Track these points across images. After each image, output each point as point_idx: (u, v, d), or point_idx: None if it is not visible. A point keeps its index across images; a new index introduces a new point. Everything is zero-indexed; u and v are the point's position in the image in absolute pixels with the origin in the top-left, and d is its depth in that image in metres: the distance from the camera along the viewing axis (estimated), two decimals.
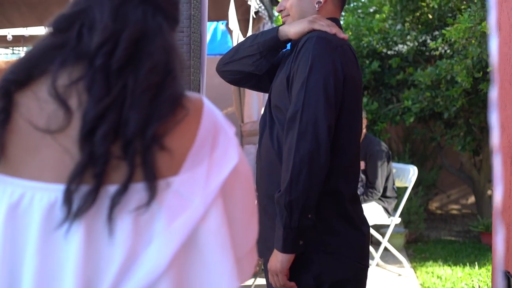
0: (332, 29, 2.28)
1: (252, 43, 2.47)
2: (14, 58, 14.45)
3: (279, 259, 2.19)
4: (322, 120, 2.15)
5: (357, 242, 2.30)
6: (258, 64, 2.46)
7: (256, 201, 1.30)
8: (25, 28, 8.17)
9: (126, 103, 1.09)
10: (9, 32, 8.21)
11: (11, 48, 11.57)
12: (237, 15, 5.03)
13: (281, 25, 2.44)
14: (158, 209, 1.11)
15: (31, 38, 8.93)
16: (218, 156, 1.19)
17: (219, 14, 5.57)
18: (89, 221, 1.08)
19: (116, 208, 1.08)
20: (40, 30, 8.84)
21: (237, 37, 5.08)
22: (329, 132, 2.15)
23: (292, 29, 2.35)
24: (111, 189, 1.09)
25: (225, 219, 1.17)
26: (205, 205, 1.14)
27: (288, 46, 2.50)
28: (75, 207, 1.06)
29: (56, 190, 1.08)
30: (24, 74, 1.12)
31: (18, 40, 9.13)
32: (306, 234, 2.18)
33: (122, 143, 1.08)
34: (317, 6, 2.38)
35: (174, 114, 1.14)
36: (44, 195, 1.08)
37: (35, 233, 1.07)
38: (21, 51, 13.94)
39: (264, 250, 2.30)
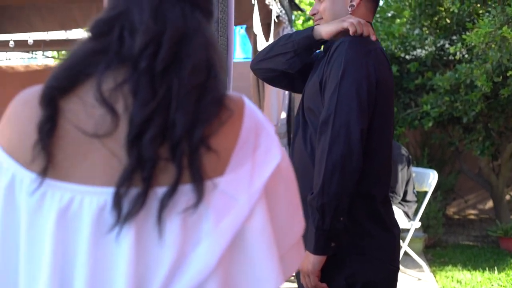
0: (360, 26, 2.31)
1: (286, 41, 2.50)
2: (32, 62, 14.55)
3: (311, 261, 2.22)
4: (355, 124, 2.17)
5: (388, 244, 2.32)
6: (292, 62, 2.49)
7: (299, 198, 1.31)
8: (45, 32, 8.21)
9: (172, 105, 1.10)
10: (30, 37, 8.25)
11: (30, 52, 11.66)
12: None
13: (316, 25, 2.47)
14: (205, 210, 1.12)
15: (52, 42, 8.99)
16: (260, 155, 1.20)
17: (239, 18, 5.61)
18: (139, 223, 1.09)
19: (165, 210, 1.09)
20: (61, 35, 8.90)
21: (261, 41, 5.11)
22: (361, 136, 2.18)
23: (325, 29, 2.39)
24: (160, 191, 1.10)
25: (269, 217, 1.18)
26: (250, 204, 1.15)
27: (319, 48, 2.54)
28: (125, 210, 1.07)
29: (105, 194, 1.09)
30: (68, 80, 1.12)
31: (38, 45, 9.18)
32: (338, 236, 2.20)
33: (169, 145, 1.09)
34: (350, 10, 2.41)
35: (218, 116, 1.15)
36: (93, 199, 1.09)
37: (85, 236, 1.08)
38: (41, 56, 14.05)
39: None
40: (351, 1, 2.41)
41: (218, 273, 1.12)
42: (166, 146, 1.09)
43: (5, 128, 1.14)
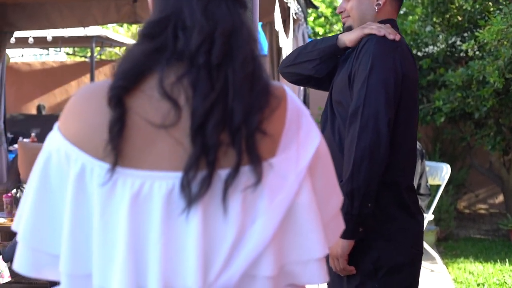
0: (381, 30, 2.44)
1: (312, 49, 2.65)
2: (45, 59, 14.68)
3: (339, 245, 2.36)
4: (383, 115, 2.31)
5: (413, 230, 2.46)
6: (318, 68, 2.63)
7: (335, 174, 1.44)
8: (64, 29, 8.35)
9: (229, 95, 1.22)
10: (49, 33, 8.40)
11: (48, 48, 11.82)
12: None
13: (340, 33, 2.61)
14: (261, 188, 1.26)
15: (70, 39, 9.16)
16: (303, 137, 1.34)
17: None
18: (205, 203, 1.22)
19: (229, 190, 1.23)
20: (79, 31, 9.05)
21: (282, 38, 5.24)
22: (388, 127, 2.32)
23: (348, 37, 2.53)
24: (222, 173, 1.23)
25: (313, 193, 1.33)
26: (298, 182, 1.29)
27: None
28: (193, 192, 1.20)
29: (173, 178, 1.21)
30: (132, 79, 1.22)
31: (56, 41, 9.35)
32: (365, 221, 2.34)
33: (229, 131, 1.22)
34: (376, 8, 2.54)
35: (269, 103, 1.29)
36: (162, 183, 1.21)
37: (157, 217, 1.20)
38: (53, 52, 14.19)
39: None
40: (377, 0, 2.54)
41: (273, 245, 1.27)
42: (226, 132, 1.22)
43: (70, 122, 1.25)
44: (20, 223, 1.26)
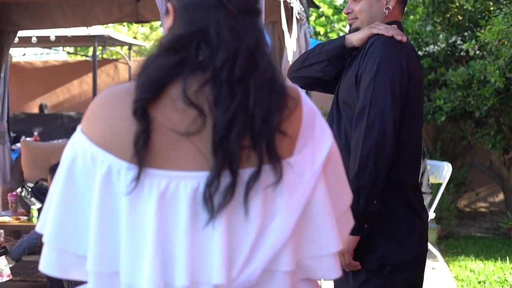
0: (390, 31, 2.48)
1: (320, 51, 2.68)
2: (45, 58, 14.71)
3: (345, 240, 2.41)
4: (389, 114, 2.36)
5: (417, 228, 2.51)
6: (327, 70, 2.67)
7: (345, 172, 1.51)
8: (67, 28, 8.39)
9: (250, 101, 1.28)
10: (52, 33, 8.44)
11: (50, 48, 11.86)
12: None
13: (347, 34, 2.65)
14: (281, 187, 1.32)
15: (73, 38, 9.19)
16: (318, 137, 1.41)
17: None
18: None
19: (252, 190, 1.29)
20: (82, 31, 9.09)
21: (287, 38, 5.29)
22: (394, 126, 2.36)
23: (356, 37, 2.56)
24: (244, 173, 1.29)
25: (327, 191, 1.39)
26: (314, 180, 1.36)
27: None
28: (218, 201, 1.26)
29: (197, 177, 1.27)
30: (156, 90, 1.28)
31: (59, 41, 9.39)
32: (370, 218, 2.39)
33: (251, 135, 1.28)
34: (386, 12, 2.58)
35: (287, 105, 1.35)
36: (187, 183, 1.27)
37: (183, 216, 1.26)
38: (53, 51, 14.21)
39: None
40: (386, 4, 2.58)
41: (291, 241, 1.33)
42: (248, 136, 1.28)
43: (96, 124, 1.29)
44: (46, 224, 1.30)
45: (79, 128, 1.32)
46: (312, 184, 1.36)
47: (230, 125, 1.26)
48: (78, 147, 1.29)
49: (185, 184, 1.27)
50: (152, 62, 1.31)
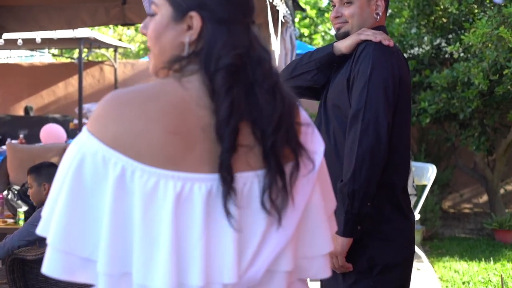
0: (377, 36, 2.52)
1: (309, 60, 2.72)
2: (31, 60, 14.68)
3: (339, 242, 2.45)
4: (383, 118, 2.41)
5: (406, 229, 2.56)
6: (316, 78, 2.70)
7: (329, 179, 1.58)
8: (53, 31, 8.38)
9: (285, 108, 1.39)
10: (38, 35, 8.43)
11: (36, 50, 11.85)
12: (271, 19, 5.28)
13: (335, 41, 2.68)
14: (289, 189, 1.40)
15: (59, 40, 9.19)
16: (313, 143, 1.47)
17: None
18: (241, 203, 1.34)
19: (266, 192, 1.35)
20: (68, 33, 9.08)
21: (273, 41, 5.32)
22: (388, 129, 2.41)
23: (344, 44, 2.59)
24: (257, 174, 1.36)
25: (321, 195, 1.46)
26: (312, 184, 1.43)
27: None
28: (231, 193, 1.31)
29: (210, 180, 1.31)
30: None
31: (44, 43, 9.38)
32: (364, 220, 2.43)
33: (289, 144, 1.39)
34: (377, 17, 2.63)
35: (298, 113, 1.44)
36: (202, 185, 1.30)
37: (199, 217, 1.29)
38: (38, 54, 14.18)
39: None
40: (376, 9, 2.63)
41: (292, 242, 1.40)
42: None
43: (108, 126, 1.29)
44: (50, 226, 1.29)
45: (85, 129, 1.32)
46: (310, 188, 1.43)
47: (276, 132, 1.35)
48: (86, 149, 1.29)
49: (199, 186, 1.30)
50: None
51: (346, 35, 2.64)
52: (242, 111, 1.33)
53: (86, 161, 1.28)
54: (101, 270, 1.27)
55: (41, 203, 4.25)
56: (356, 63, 2.50)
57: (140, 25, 1.53)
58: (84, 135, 1.31)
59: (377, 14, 2.64)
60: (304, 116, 1.47)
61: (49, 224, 1.30)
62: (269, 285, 1.38)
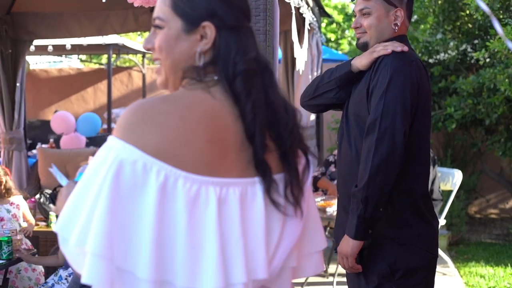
0: (388, 48, 2.58)
1: (329, 79, 2.79)
2: (58, 66, 14.86)
3: (350, 245, 2.53)
4: (399, 127, 2.47)
5: (427, 234, 2.61)
6: (339, 96, 2.79)
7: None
8: (83, 37, 8.51)
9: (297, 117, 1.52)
10: (68, 42, 8.56)
11: (65, 56, 12.01)
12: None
13: (352, 58, 2.74)
14: None
15: (88, 46, 9.32)
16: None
17: None
18: (268, 204, 1.45)
19: (288, 187, 1.47)
20: (97, 39, 9.22)
21: (297, 49, 5.39)
22: (404, 137, 2.47)
23: (360, 62, 2.66)
24: (275, 177, 1.46)
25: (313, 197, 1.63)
26: (309, 186, 1.57)
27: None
28: (273, 184, 1.43)
29: (242, 183, 1.41)
30: None
31: (74, 49, 9.52)
32: (375, 224, 2.51)
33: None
34: (395, 28, 2.68)
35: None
36: (236, 188, 1.40)
37: (236, 218, 1.38)
38: (66, 60, 14.34)
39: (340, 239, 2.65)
40: (394, 20, 2.68)
41: (298, 239, 1.53)
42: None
43: (145, 134, 1.31)
44: (89, 234, 1.28)
45: (115, 138, 1.32)
46: (309, 189, 1.56)
47: (290, 136, 1.46)
48: (123, 157, 1.29)
49: (233, 190, 1.39)
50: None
51: (365, 45, 2.71)
52: (265, 114, 1.42)
53: (124, 169, 1.29)
54: (143, 276, 1.28)
55: None
56: (376, 73, 2.57)
57: None
58: (117, 143, 1.31)
59: (395, 25, 2.68)
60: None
61: (87, 231, 1.28)
62: (280, 279, 1.50)
